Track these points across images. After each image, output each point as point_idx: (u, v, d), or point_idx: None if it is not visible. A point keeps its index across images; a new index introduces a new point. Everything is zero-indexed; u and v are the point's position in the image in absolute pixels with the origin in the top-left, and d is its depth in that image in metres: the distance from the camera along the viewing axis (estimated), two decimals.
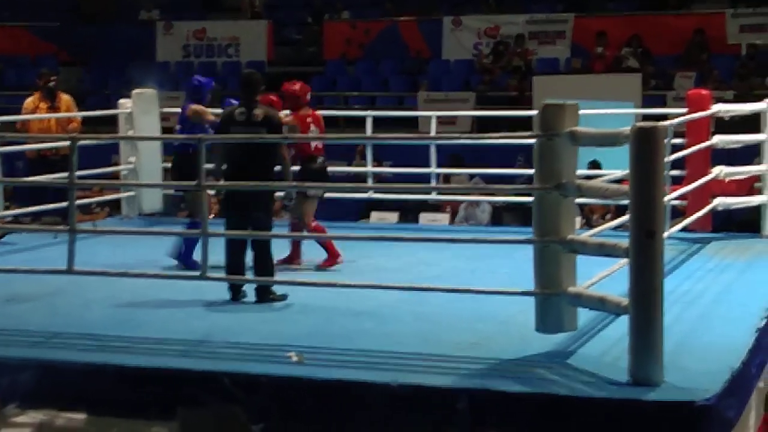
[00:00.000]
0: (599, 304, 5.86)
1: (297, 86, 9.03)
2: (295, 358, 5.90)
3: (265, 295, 7.42)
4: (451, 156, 13.84)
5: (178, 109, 15.52)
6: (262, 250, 7.49)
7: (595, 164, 12.20)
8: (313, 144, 8.77)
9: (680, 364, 5.63)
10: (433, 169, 10.76)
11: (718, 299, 7.50)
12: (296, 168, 8.59)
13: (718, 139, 9.89)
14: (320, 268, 8.69)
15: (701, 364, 5.70)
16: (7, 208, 10.33)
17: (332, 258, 8.75)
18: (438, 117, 11.41)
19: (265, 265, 7.50)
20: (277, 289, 7.45)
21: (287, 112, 8.89)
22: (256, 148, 7.39)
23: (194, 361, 5.94)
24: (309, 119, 8.91)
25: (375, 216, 12.93)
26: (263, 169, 7.38)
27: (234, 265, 7.49)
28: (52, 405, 5.78)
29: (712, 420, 5.17)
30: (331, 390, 5.57)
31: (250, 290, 7.51)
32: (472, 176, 13.84)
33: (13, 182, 11.70)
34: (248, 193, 7.30)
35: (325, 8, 21.27)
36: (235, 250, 7.50)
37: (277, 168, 7.68)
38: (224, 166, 7.48)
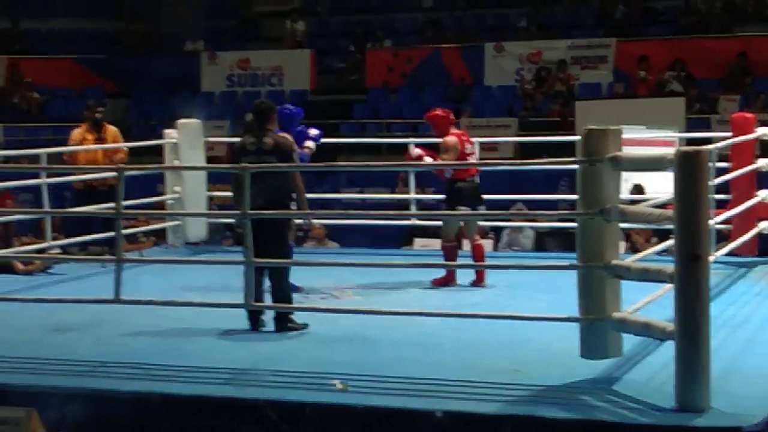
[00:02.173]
0: (644, 329, 5.83)
1: (439, 111, 9.22)
2: (339, 386, 5.91)
3: (283, 323, 7.37)
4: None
5: (223, 139, 15.73)
6: (279, 278, 7.48)
7: (638, 188, 12.15)
8: None
9: (727, 389, 5.59)
10: None
11: (765, 323, 7.43)
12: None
13: (764, 163, 9.82)
14: (434, 284, 8.87)
15: (748, 390, 5.66)
16: (55, 238, 10.44)
17: (448, 277, 8.90)
18: (481, 143, 11.42)
19: (282, 293, 7.47)
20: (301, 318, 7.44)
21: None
22: (269, 178, 7.29)
23: (239, 390, 5.96)
24: (463, 137, 9.13)
25: (418, 242, 12.94)
26: (279, 198, 7.37)
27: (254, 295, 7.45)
28: None
29: None
30: (374, 418, 5.58)
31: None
32: (514, 202, 13.81)
33: (61, 213, 11.82)
34: (261, 223, 7.12)
35: (367, 37, 21.39)
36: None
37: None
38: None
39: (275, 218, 7.33)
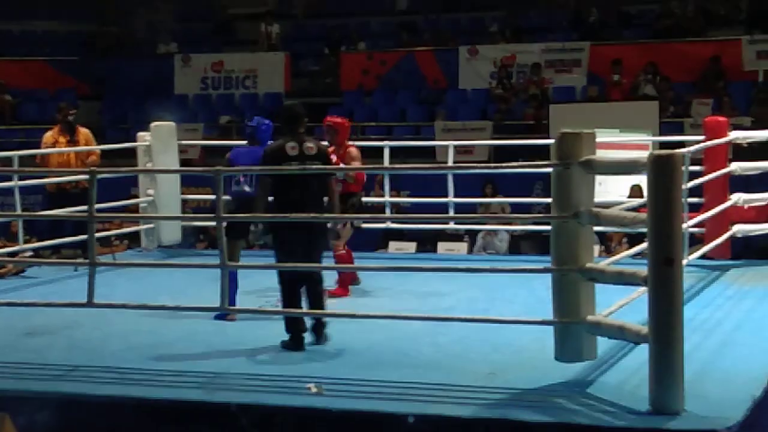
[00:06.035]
0: (618, 332, 5.84)
1: (339, 118, 9.17)
2: (314, 390, 5.89)
3: (323, 332, 7.09)
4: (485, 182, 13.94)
5: (196, 142, 15.62)
6: (320, 286, 7.22)
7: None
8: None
9: (701, 392, 5.61)
10: (451, 199, 10.76)
11: (738, 327, 7.46)
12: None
13: (736, 166, 9.87)
14: (331, 295, 8.59)
15: (722, 392, 5.68)
16: (27, 241, 10.37)
17: (343, 290, 8.79)
18: (455, 146, 11.42)
19: (322, 301, 7.20)
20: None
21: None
22: (315, 182, 7.11)
23: (212, 394, 5.94)
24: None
25: (393, 246, 12.95)
26: (319, 203, 7.15)
27: (294, 304, 7.10)
28: None
29: None
30: (348, 421, 5.56)
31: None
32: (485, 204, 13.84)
33: (34, 216, 11.76)
34: (311, 229, 7.00)
35: (341, 39, 21.37)
36: (293, 288, 7.12)
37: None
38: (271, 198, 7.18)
39: (321, 224, 7.14)
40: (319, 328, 7.09)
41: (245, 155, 8.21)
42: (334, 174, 7.41)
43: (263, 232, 7.36)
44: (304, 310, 7.09)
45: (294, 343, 6.93)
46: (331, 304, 8.15)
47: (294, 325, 6.96)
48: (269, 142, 8.22)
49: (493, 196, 13.81)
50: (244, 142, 8.64)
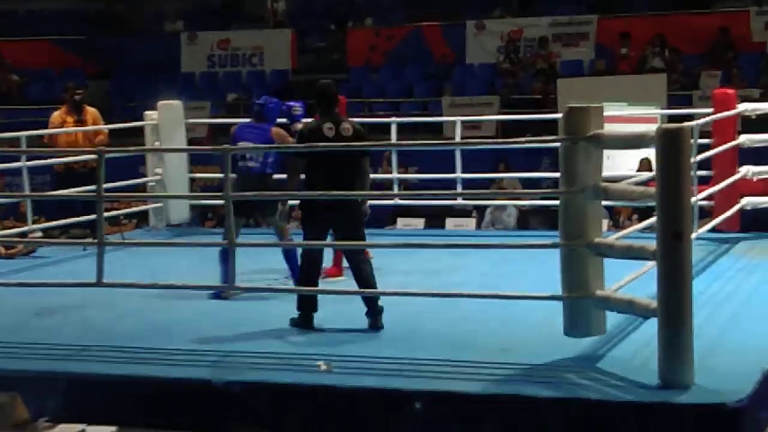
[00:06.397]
0: (628, 306, 5.84)
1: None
2: (324, 367, 5.90)
3: (378, 313, 6.88)
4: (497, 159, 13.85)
5: (204, 120, 15.61)
6: (363, 263, 7.06)
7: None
8: None
9: (711, 365, 5.60)
10: (459, 174, 10.74)
11: (748, 300, 7.46)
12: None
13: (745, 138, 9.84)
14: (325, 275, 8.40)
15: (732, 366, 5.68)
16: (36, 221, 10.39)
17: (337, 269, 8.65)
18: (463, 122, 11.40)
19: (370, 280, 7.02)
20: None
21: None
22: (354, 161, 6.94)
23: (223, 372, 5.95)
24: None
25: (401, 222, 12.94)
26: (352, 184, 6.94)
27: (310, 283, 6.98)
28: (82, 418, 5.81)
29: (745, 421, 5.15)
30: (358, 398, 5.58)
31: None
32: (493, 179, 13.79)
33: (42, 196, 11.77)
34: (340, 206, 6.86)
35: (348, 15, 21.30)
36: (313, 267, 7.02)
37: None
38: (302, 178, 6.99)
39: (354, 202, 6.95)
40: (372, 311, 6.85)
41: (249, 131, 8.19)
42: (368, 153, 7.17)
43: (287, 213, 7.28)
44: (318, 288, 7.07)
45: (304, 321, 6.91)
46: (331, 283, 8.15)
47: (307, 304, 6.94)
48: (283, 120, 8.23)
49: (506, 173, 13.73)
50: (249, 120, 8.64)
